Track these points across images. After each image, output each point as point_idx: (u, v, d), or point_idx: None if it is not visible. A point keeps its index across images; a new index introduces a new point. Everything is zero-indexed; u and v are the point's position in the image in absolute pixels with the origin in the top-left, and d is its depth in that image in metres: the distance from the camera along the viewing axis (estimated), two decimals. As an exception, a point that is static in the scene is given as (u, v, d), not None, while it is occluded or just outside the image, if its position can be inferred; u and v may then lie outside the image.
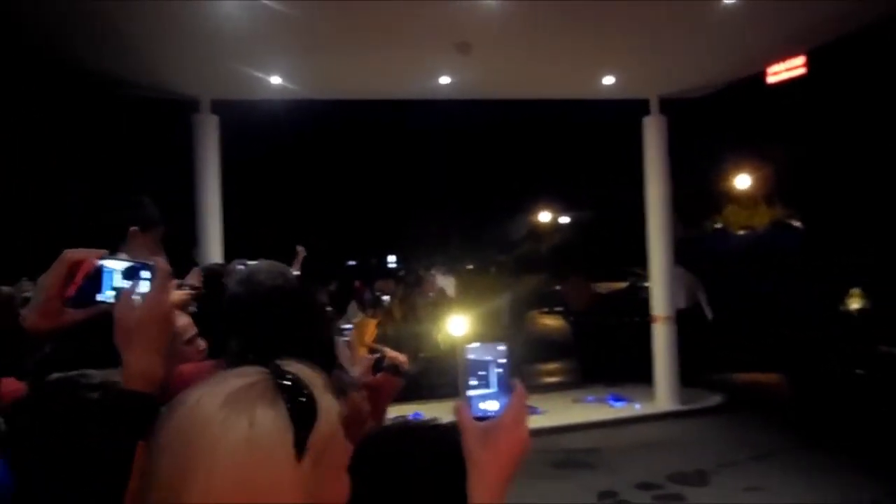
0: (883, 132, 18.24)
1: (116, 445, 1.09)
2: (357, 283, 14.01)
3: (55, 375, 1.46)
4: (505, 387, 1.17)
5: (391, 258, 34.97)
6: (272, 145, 21.08)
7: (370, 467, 1.20)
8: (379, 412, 2.46)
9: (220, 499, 0.84)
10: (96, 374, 1.49)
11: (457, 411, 1.16)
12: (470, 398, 1.16)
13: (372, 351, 2.68)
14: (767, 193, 21.96)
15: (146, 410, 1.11)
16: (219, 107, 8.85)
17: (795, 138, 20.17)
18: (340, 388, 2.18)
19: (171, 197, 4.00)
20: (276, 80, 8.32)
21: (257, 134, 15.45)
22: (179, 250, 4.07)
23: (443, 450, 1.21)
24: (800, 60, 16.04)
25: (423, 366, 10.19)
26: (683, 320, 10.22)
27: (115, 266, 1.33)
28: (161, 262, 1.33)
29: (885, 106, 18.11)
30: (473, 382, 1.17)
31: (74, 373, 1.48)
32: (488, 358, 1.18)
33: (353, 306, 11.98)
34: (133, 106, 9.55)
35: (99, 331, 2.10)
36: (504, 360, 1.18)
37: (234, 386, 0.91)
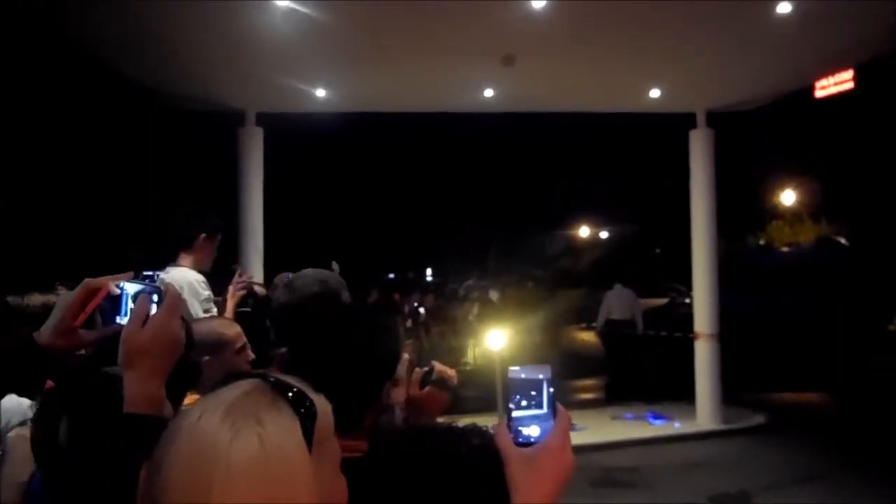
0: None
1: (119, 468, 1.09)
2: (396, 296, 14.03)
3: (105, 369, 1.48)
4: (548, 407, 1.14)
5: (428, 271, 35.02)
6: (315, 158, 21.29)
7: (384, 467, 1.20)
8: None
9: (241, 500, 0.84)
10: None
11: (497, 436, 1.13)
12: (511, 423, 1.13)
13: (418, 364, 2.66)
14: (813, 209, 21.58)
15: (148, 432, 1.05)
16: (264, 119, 8.96)
17: (842, 154, 19.83)
18: (388, 405, 2.18)
19: (215, 209, 4.11)
20: (320, 92, 8.40)
21: (301, 146, 15.62)
22: (222, 262, 4.17)
23: (457, 452, 1.18)
24: (848, 75, 15.79)
25: (464, 379, 10.16)
26: (613, 327, 12.11)
27: (132, 289, 1.35)
28: (172, 287, 1.35)
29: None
30: (523, 403, 1.14)
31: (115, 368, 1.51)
32: (532, 376, 1.15)
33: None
34: (180, 118, 9.71)
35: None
36: (548, 378, 1.15)
37: (232, 397, 0.90)
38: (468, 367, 12.85)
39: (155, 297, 1.30)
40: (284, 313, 2.57)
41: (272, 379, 0.95)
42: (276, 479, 0.85)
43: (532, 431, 1.12)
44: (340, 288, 2.52)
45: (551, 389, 1.14)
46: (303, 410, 0.92)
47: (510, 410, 1.14)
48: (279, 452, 0.86)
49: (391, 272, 33.19)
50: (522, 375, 1.15)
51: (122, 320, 1.33)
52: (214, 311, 3.74)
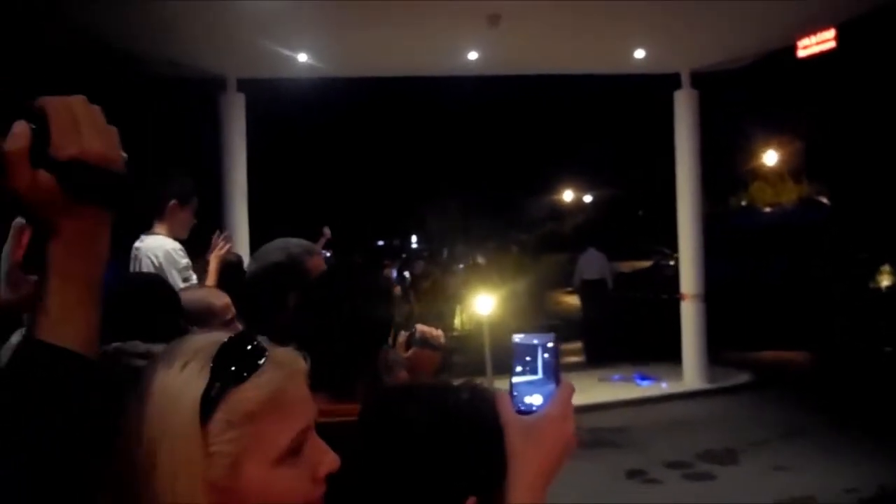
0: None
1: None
2: (386, 263, 14.07)
3: (114, 345, 1.46)
4: (551, 375, 1.11)
5: (413, 238, 35.02)
6: (298, 124, 21.11)
7: (374, 424, 1.17)
8: None
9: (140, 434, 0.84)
10: (141, 345, 1.49)
11: (498, 402, 1.10)
12: (513, 391, 1.10)
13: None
14: (795, 170, 21.67)
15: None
16: (245, 85, 8.84)
17: (824, 114, 19.88)
18: (388, 367, 2.17)
19: (197, 176, 4.03)
20: (302, 57, 8.28)
21: (284, 113, 15.46)
22: (206, 229, 4.10)
23: (449, 408, 1.15)
24: (830, 34, 15.74)
25: (453, 344, 10.21)
26: (589, 288, 12.83)
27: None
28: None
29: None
30: (518, 368, 1.11)
31: (123, 343, 1.48)
32: (535, 342, 1.12)
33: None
34: (159, 84, 9.56)
35: (137, 309, 2.11)
36: (552, 346, 1.12)
37: (199, 342, 0.90)
38: (456, 333, 12.91)
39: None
40: (251, 283, 2.58)
41: (244, 337, 0.92)
42: (161, 419, 0.85)
43: (534, 400, 1.09)
44: (305, 254, 2.50)
45: (546, 356, 1.11)
46: (224, 367, 0.87)
47: (512, 375, 1.11)
48: (171, 395, 0.86)
49: (378, 239, 33.21)
50: (524, 342, 1.13)
51: None
52: (194, 279, 3.64)
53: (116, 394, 0.90)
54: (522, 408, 1.09)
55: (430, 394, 1.21)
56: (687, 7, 7.52)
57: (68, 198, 0.87)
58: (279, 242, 2.50)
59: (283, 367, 0.91)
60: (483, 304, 8.73)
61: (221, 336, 0.91)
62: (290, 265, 2.40)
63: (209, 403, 0.85)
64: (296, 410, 0.91)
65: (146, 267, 3.50)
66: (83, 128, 0.88)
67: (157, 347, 1.34)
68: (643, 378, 10.06)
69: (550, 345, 1.12)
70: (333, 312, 1.80)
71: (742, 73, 10.47)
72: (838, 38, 15.76)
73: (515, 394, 1.10)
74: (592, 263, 13.06)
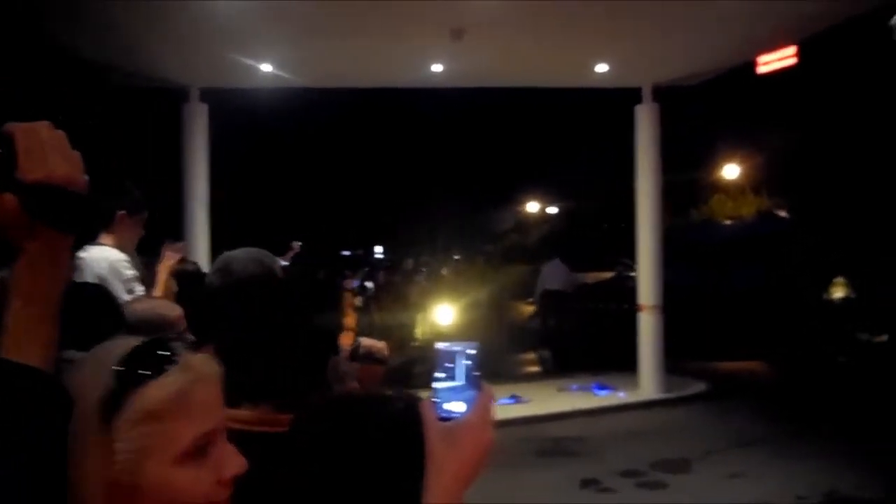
0: (871, 124, 18.33)
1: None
2: (347, 273, 14.00)
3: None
4: (472, 383, 1.13)
5: (378, 248, 34.87)
6: (262, 134, 20.97)
7: (302, 436, 1.21)
8: None
9: None
10: (76, 354, 1.51)
11: (422, 408, 1.13)
12: (437, 398, 1.12)
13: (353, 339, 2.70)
14: (754, 183, 22.01)
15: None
16: (208, 95, 8.81)
17: (784, 129, 20.23)
18: (339, 377, 2.21)
19: (159, 187, 4.01)
20: (266, 67, 8.29)
21: (248, 123, 15.38)
22: (161, 240, 4.05)
23: (381, 420, 1.20)
24: (791, 51, 16.05)
25: (415, 354, 10.23)
26: (550, 298, 13.00)
27: None
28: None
29: (873, 97, 18.19)
30: (440, 375, 1.14)
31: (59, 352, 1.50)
32: (456, 349, 1.14)
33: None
34: (121, 94, 9.49)
35: (77, 316, 2.13)
36: (472, 353, 1.14)
37: (112, 347, 0.94)
38: (417, 343, 12.93)
39: None
40: (216, 296, 2.57)
41: (157, 343, 0.95)
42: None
43: (457, 407, 1.12)
44: (275, 265, 2.52)
45: (467, 363, 1.13)
46: (128, 370, 0.90)
47: (433, 381, 1.14)
48: (77, 394, 0.90)
49: (343, 250, 33.02)
50: (446, 349, 1.15)
51: None
52: (140, 290, 3.58)
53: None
54: (444, 414, 1.11)
55: (365, 406, 1.25)
56: (649, 23, 7.61)
57: (33, 220, 0.91)
58: (252, 253, 2.49)
59: (190, 371, 0.94)
60: (443, 314, 8.78)
61: (134, 341, 0.95)
62: (266, 278, 2.41)
63: (112, 402, 0.89)
64: (201, 412, 0.94)
65: (89, 278, 3.44)
66: (48, 152, 0.92)
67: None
68: (601, 388, 10.16)
69: (471, 352, 1.14)
70: (279, 323, 1.83)
71: (703, 88, 10.63)
72: (799, 54, 16.12)
73: (438, 400, 1.12)
74: (556, 274, 13.19)
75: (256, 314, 1.84)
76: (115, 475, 0.89)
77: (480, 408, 1.11)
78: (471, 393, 1.13)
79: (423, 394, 1.24)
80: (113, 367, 0.91)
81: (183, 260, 3.98)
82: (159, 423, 0.90)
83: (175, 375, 0.92)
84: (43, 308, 0.95)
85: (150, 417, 0.90)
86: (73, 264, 1.03)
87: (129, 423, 0.89)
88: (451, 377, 1.14)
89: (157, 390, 0.91)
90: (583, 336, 12.54)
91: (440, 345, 1.16)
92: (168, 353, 0.94)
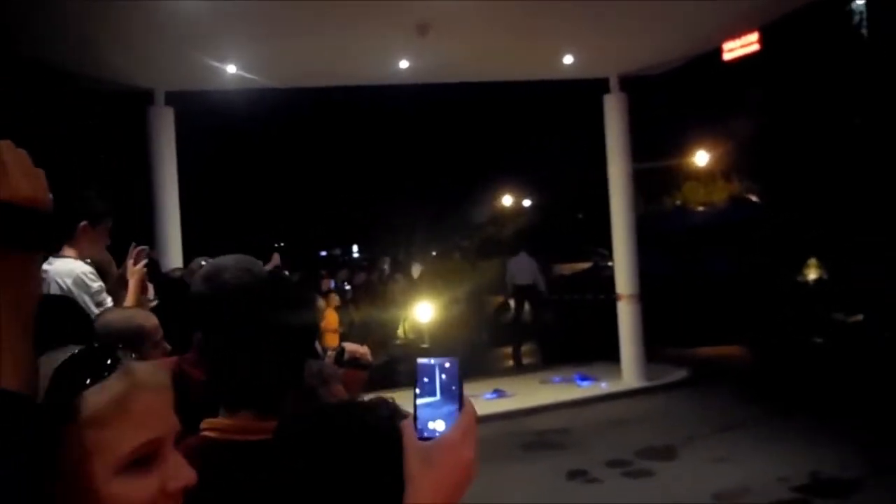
0: (835, 105, 18.58)
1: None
2: (324, 273, 13.96)
3: None
4: (452, 398, 1.07)
5: (355, 248, 34.85)
6: (230, 137, 20.80)
7: (287, 446, 1.17)
8: None
9: None
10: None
11: (402, 427, 1.08)
12: (416, 415, 1.07)
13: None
14: (725, 169, 22.21)
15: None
16: (173, 98, 8.69)
17: (752, 114, 20.44)
18: (324, 380, 2.15)
19: (127, 194, 3.90)
20: (231, 68, 8.18)
21: (215, 125, 15.23)
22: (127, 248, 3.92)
23: (365, 424, 1.15)
24: (754, 37, 16.26)
25: (396, 353, 10.20)
26: (524, 292, 12.94)
27: None
28: None
29: (836, 79, 18.43)
30: (420, 391, 1.08)
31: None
32: (436, 364, 1.09)
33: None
34: (84, 98, 9.33)
35: (44, 329, 2.05)
36: (449, 366, 1.08)
37: (58, 355, 0.93)
38: (399, 342, 12.89)
39: None
40: (205, 305, 2.49)
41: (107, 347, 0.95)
42: None
43: (437, 426, 1.06)
44: (263, 273, 2.46)
45: (445, 378, 1.08)
46: (79, 364, 0.90)
47: (415, 401, 1.08)
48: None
49: (319, 250, 32.92)
50: (425, 364, 1.09)
51: None
52: (109, 302, 3.48)
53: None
54: (426, 434, 1.06)
55: (350, 414, 1.21)
56: (613, 13, 7.64)
57: None
58: (241, 262, 2.40)
59: (130, 377, 0.91)
60: (423, 312, 8.74)
61: (75, 349, 0.94)
62: (257, 286, 2.33)
63: (53, 409, 0.88)
64: (144, 421, 0.91)
65: (55, 291, 3.35)
66: (11, 171, 0.90)
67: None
68: (583, 379, 10.18)
69: (450, 367, 1.09)
70: (264, 329, 1.78)
71: (670, 77, 10.70)
72: (762, 40, 16.31)
73: (418, 418, 1.07)
74: (524, 268, 13.13)
75: (245, 322, 1.79)
76: (65, 483, 0.88)
77: (461, 426, 1.06)
78: (450, 409, 1.07)
79: (405, 393, 1.19)
80: (52, 373, 0.90)
81: (150, 265, 3.86)
82: (98, 429, 0.88)
83: (113, 381, 0.90)
84: (17, 329, 0.90)
85: (89, 423, 0.88)
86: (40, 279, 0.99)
87: (72, 429, 0.88)
88: (432, 392, 1.08)
89: (94, 396, 0.89)
90: (562, 328, 12.56)
91: (421, 360, 1.10)
92: (108, 361, 0.92)
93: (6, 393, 0.85)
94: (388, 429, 1.12)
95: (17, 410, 0.85)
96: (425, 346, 11.99)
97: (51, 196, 0.94)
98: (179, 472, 0.94)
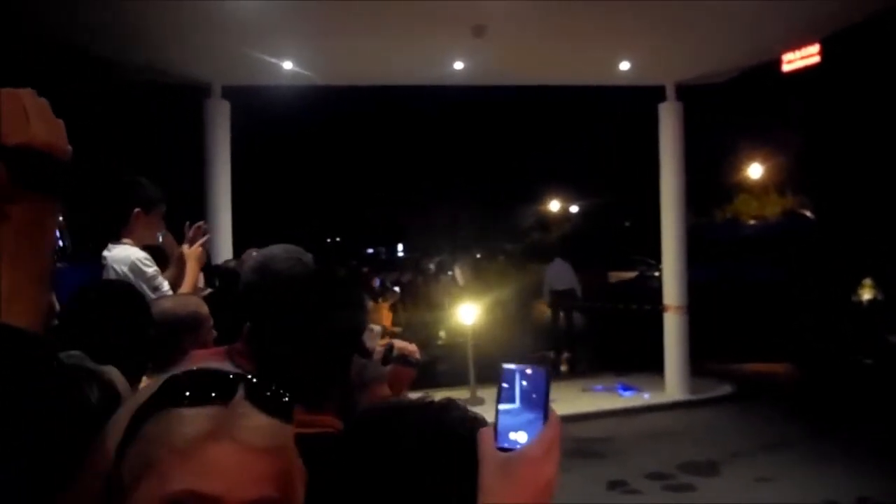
0: (893, 122, 18.09)
1: None
2: (365, 270, 14.04)
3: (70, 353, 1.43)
4: (536, 409, 1.01)
5: (400, 247, 34.99)
6: (284, 131, 21.04)
7: (362, 443, 1.15)
8: None
9: None
10: (90, 363, 1.45)
11: (479, 436, 1.02)
12: (497, 424, 1.01)
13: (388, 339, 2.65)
14: (779, 183, 21.81)
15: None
16: (230, 92, 8.81)
17: (809, 128, 20.03)
18: (364, 383, 2.15)
19: (182, 184, 3.95)
20: (288, 65, 8.26)
21: (269, 120, 15.42)
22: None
23: (437, 424, 1.13)
24: (814, 49, 15.90)
25: (438, 353, 10.21)
26: (561, 298, 12.92)
27: None
28: None
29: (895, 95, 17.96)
30: (502, 399, 1.02)
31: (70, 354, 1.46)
32: (515, 368, 1.03)
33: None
34: (143, 91, 9.51)
35: (104, 313, 2.08)
36: (531, 374, 1.02)
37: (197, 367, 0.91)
38: (440, 343, 12.90)
39: None
40: (256, 294, 2.51)
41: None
42: None
43: (517, 437, 1.00)
44: (294, 262, 2.47)
45: (527, 385, 1.02)
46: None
47: (497, 408, 1.02)
48: None
49: (367, 248, 33.15)
50: (512, 370, 1.03)
51: None
52: (165, 286, 3.52)
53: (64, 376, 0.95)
54: (505, 444, 1.00)
55: (422, 413, 1.20)
56: (672, 20, 7.54)
57: (16, 184, 0.90)
58: (292, 252, 2.40)
59: (226, 423, 0.83)
60: (467, 313, 8.72)
61: (215, 367, 0.89)
62: (308, 276, 2.34)
63: (145, 412, 0.85)
64: (209, 472, 0.81)
65: (112, 277, 3.45)
66: (31, 117, 0.92)
67: (108, 369, 1.31)
68: (626, 389, 10.07)
69: (533, 374, 1.03)
70: (301, 316, 1.78)
71: (727, 87, 10.52)
72: (822, 52, 15.96)
73: (499, 427, 1.01)
74: (561, 274, 13.12)
75: (293, 311, 1.79)
76: (120, 479, 0.84)
77: (545, 440, 0.99)
78: (529, 418, 1.01)
79: (446, 393, 1.17)
80: (166, 377, 0.87)
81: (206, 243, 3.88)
82: (165, 453, 0.81)
83: (204, 418, 0.83)
84: (31, 273, 0.93)
85: (161, 444, 0.82)
86: (58, 238, 1.04)
87: (145, 439, 0.84)
88: (511, 399, 1.03)
89: (179, 421, 0.83)
90: (604, 336, 12.46)
91: (505, 365, 1.04)
92: (227, 390, 0.85)
93: (14, 329, 0.86)
94: (462, 430, 1.10)
95: (25, 347, 0.86)
96: (440, 342, 12.00)
97: (70, 147, 0.97)
98: None
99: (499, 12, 7.10)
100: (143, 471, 0.81)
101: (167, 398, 0.84)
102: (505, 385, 1.02)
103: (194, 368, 0.89)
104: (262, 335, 1.91)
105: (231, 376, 0.87)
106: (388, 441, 1.14)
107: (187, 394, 0.84)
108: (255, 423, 0.84)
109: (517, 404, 1.02)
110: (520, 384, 1.02)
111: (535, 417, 1.01)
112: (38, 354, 0.88)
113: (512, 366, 1.03)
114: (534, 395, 1.02)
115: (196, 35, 7.39)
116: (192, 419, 0.82)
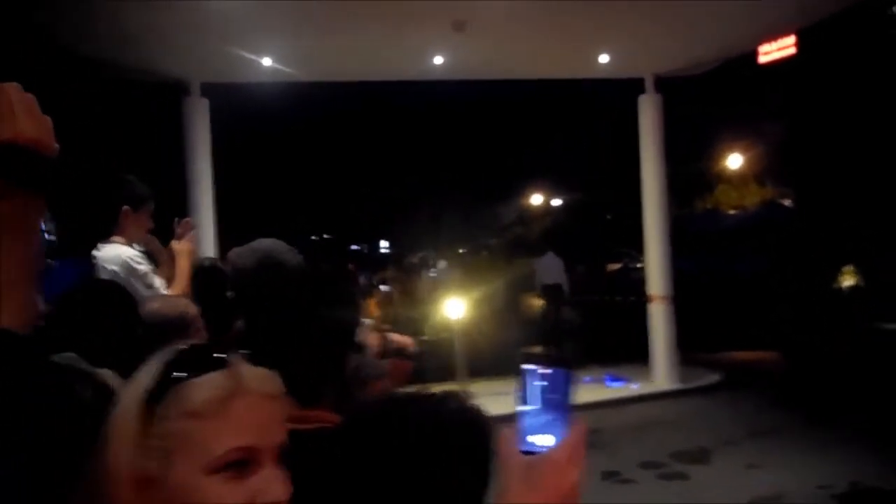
0: (872, 111, 18.28)
1: None
2: (351, 266, 13.98)
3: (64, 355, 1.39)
4: (550, 409, 0.98)
5: (383, 243, 34.92)
6: (265, 128, 20.94)
7: (363, 436, 1.15)
8: None
9: None
10: (83, 364, 1.41)
11: (501, 438, 0.99)
12: (519, 426, 0.98)
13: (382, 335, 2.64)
14: (758, 173, 21.96)
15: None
16: (209, 90, 8.73)
17: (787, 118, 20.20)
18: (361, 379, 2.13)
19: (163, 182, 3.90)
20: (267, 62, 8.22)
21: (249, 117, 15.32)
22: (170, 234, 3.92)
23: (437, 416, 1.14)
24: (790, 40, 16.01)
25: (425, 349, 10.16)
26: (549, 292, 12.83)
27: None
28: None
29: (873, 85, 18.14)
30: (524, 400, 0.99)
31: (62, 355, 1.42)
32: (534, 369, 0.99)
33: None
34: (123, 89, 9.41)
35: (92, 312, 2.04)
36: (552, 374, 0.99)
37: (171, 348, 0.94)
38: (427, 338, 12.85)
39: None
40: (251, 288, 2.49)
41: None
42: None
43: (538, 440, 0.97)
44: (290, 256, 2.44)
45: (544, 381, 0.99)
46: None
47: (518, 408, 1.00)
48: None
49: (351, 244, 33.08)
50: (534, 371, 0.99)
51: None
52: (157, 283, 3.47)
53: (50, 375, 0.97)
54: (527, 448, 0.97)
55: (422, 405, 1.18)
56: (651, 13, 7.58)
57: (2, 180, 0.90)
58: (278, 245, 2.37)
59: (237, 380, 0.90)
60: (453, 308, 8.70)
61: (195, 343, 0.96)
62: (303, 268, 2.32)
63: (155, 393, 0.88)
64: (242, 425, 0.89)
65: (104, 276, 3.39)
66: (18, 113, 0.92)
67: (103, 372, 1.28)
68: (614, 379, 10.09)
69: (554, 375, 0.99)
70: (296, 311, 1.77)
71: (706, 78, 10.59)
72: (798, 44, 16.07)
73: (521, 430, 0.98)
74: (551, 268, 13.21)
75: (288, 306, 1.78)
76: (146, 468, 0.87)
77: (569, 445, 0.96)
78: (548, 420, 0.98)
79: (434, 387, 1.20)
80: (165, 364, 0.91)
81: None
82: (195, 423, 0.87)
83: (219, 378, 0.89)
84: (17, 270, 0.93)
85: (187, 416, 0.87)
86: (44, 235, 1.04)
87: (167, 417, 0.87)
88: (531, 401, 0.99)
89: (197, 389, 0.88)
90: (590, 328, 12.48)
91: (524, 365, 1.00)
92: (216, 357, 0.92)
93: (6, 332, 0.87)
94: (457, 419, 1.08)
95: (12, 347, 0.87)
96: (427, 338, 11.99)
97: (56, 144, 0.96)
98: (272, 487, 0.89)
99: (479, 7, 7.11)
100: (176, 448, 0.86)
101: (174, 375, 0.89)
102: (525, 386, 0.99)
103: (182, 345, 0.94)
104: (256, 330, 1.89)
105: (211, 346, 0.95)
106: (388, 433, 1.13)
107: (193, 365, 0.90)
108: (261, 374, 0.93)
109: (538, 406, 0.99)
110: (540, 385, 0.99)
111: (557, 419, 0.98)
112: (27, 354, 0.89)
113: (531, 366, 1.00)
114: (555, 397, 0.99)
115: (174, 32, 7.33)
116: (209, 384, 0.88)
